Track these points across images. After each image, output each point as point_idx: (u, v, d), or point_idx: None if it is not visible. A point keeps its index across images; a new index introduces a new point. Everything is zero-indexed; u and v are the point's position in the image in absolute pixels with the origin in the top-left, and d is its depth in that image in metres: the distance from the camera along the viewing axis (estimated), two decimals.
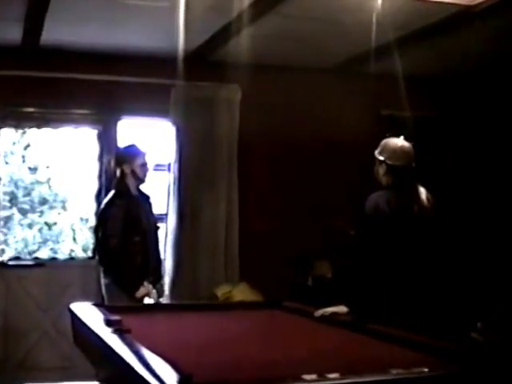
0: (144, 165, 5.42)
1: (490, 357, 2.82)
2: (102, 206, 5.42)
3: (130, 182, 5.38)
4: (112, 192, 5.41)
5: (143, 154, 5.43)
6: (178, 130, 6.46)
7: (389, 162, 4.15)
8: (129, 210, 5.25)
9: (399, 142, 4.23)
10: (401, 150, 4.18)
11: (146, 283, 5.24)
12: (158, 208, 5.93)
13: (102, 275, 5.35)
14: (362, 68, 6.35)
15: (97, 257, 5.53)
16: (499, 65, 6.38)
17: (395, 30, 5.25)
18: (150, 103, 6.38)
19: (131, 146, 5.51)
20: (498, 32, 5.40)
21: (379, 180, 4.21)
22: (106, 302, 5.05)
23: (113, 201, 5.31)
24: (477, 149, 6.92)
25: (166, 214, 6.43)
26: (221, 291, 6.04)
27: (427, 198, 4.15)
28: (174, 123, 6.46)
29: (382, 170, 4.19)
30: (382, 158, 4.19)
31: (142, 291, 5.19)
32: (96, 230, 5.52)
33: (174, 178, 6.44)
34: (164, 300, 6.09)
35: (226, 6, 4.89)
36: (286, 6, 4.96)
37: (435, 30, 5.47)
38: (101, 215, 5.40)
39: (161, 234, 5.89)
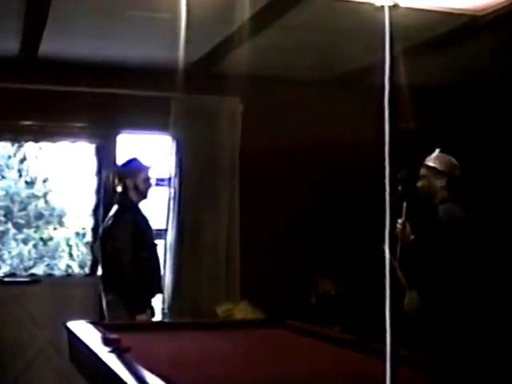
0: (147, 180, 5.35)
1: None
2: (109, 220, 5.29)
3: (133, 196, 5.29)
4: (115, 207, 5.30)
5: (146, 169, 5.36)
6: (178, 144, 6.38)
7: (455, 174, 4.46)
8: (137, 224, 5.17)
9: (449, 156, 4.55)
10: (456, 164, 4.54)
11: (149, 311, 5.15)
12: (156, 223, 5.84)
13: (103, 293, 5.23)
14: (367, 79, 6.27)
15: (98, 273, 5.40)
16: (507, 75, 6.29)
17: (401, 41, 5.18)
18: (149, 116, 6.28)
19: (134, 161, 5.44)
20: (506, 42, 5.33)
21: (432, 192, 4.46)
22: (107, 320, 4.97)
23: (119, 215, 5.21)
24: (486, 162, 6.81)
25: (166, 230, 6.33)
26: (221, 309, 5.94)
27: None
28: (174, 137, 6.37)
29: (440, 182, 4.44)
30: (444, 170, 4.47)
31: (142, 317, 5.05)
32: (103, 245, 5.33)
33: (175, 193, 6.35)
34: (163, 318, 6.00)
35: (227, 18, 4.82)
36: (288, 17, 4.89)
37: (442, 41, 5.41)
38: (108, 230, 5.26)
39: (159, 250, 5.78)
